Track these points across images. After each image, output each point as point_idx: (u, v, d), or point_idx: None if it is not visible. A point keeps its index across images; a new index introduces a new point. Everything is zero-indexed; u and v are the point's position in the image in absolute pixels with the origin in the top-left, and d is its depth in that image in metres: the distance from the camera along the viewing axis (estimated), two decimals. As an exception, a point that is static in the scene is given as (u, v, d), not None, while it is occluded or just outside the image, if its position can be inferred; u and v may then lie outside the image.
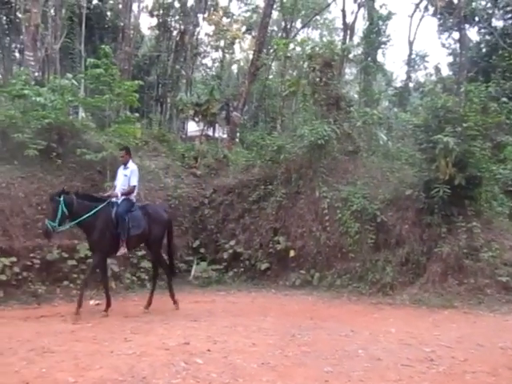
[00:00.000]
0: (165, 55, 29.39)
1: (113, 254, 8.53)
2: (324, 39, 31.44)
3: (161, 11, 30.41)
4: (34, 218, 9.96)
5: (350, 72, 35.34)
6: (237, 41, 35.63)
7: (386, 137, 13.74)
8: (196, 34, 31.11)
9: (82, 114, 15.59)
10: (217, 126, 25.61)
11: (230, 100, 27.74)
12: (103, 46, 12.52)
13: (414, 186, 10.76)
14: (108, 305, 8.18)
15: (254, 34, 31.77)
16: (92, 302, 8.91)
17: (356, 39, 29.14)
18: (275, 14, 28.05)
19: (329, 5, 31.20)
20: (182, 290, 11.02)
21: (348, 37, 27.34)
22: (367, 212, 10.85)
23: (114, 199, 8.30)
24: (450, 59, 25.63)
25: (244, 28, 34.87)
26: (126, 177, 8.43)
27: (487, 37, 23.55)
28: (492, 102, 13.19)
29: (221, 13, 32.87)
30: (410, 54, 25.26)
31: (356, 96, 22.49)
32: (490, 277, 9.39)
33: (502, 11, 23.18)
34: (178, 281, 11.52)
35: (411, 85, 23.54)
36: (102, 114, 13.36)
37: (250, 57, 24.44)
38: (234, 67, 38.62)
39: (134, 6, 27.44)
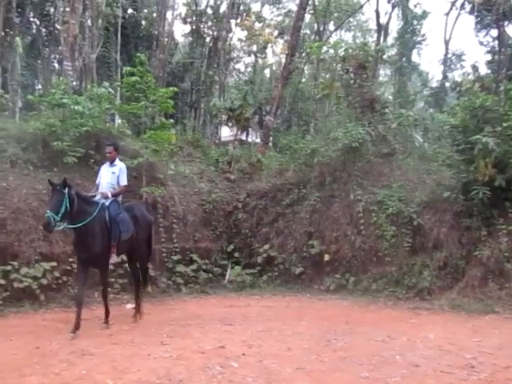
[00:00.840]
0: (198, 61, 29.69)
1: None
2: (357, 41, 31.21)
3: (194, 18, 30.77)
4: (73, 224, 10.19)
5: (384, 73, 34.86)
6: (269, 45, 35.69)
7: (422, 138, 13.52)
8: (229, 39, 31.32)
9: (118, 121, 15.89)
10: (250, 130, 25.69)
11: (263, 104, 27.83)
12: (138, 54, 12.76)
13: (452, 188, 10.52)
14: (107, 314, 7.59)
15: (286, 37, 31.75)
16: (128, 306, 9.06)
17: (390, 40, 28.78)
18: (307, 17, 27.98)
19: (362, 6, 30.90)
20: (216, 293, 11.16)
21: (382, 38, 27.00)
22: (403, 215, 10.67)
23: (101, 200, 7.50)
24: (489, 57, 24.95)
25: (276, 32, 34.91)
26: (114, 174, 7.77)
27: (527, 33, 22.83)
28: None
29: (253, 18, 33.01)
30: (447, 53, 24.73)
31: (391, 97, 22.13)
32: (532, 281, 9.08)
33: (542, 7, 22.40)
34: (213, 285, 11.70)
35: (448, 85, 22.99)
36: (137, 120, 13.59)
37: (283, 61, 24.45)
38: (267, 71, 38.70)
39: (168, 14, 27.92)
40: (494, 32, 23.98)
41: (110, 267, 9.94)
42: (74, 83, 17.10)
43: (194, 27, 30.83)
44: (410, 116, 13.19)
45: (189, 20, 31.32)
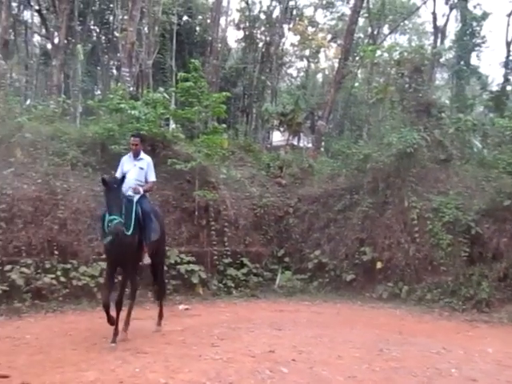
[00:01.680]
0: (251, 67, 29.92)
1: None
2: (413, 44, 30.45)
3: (247, 24, 31.07)
4: (128, 225, 10.50)
5: (440, 77, 33.89)
6: (322, 49, 35.48)
7: (481, 144, 13.01)
8: (281, 44, 31.39)
9: (172, 125, 16.24)
10: (302, 135, 25.66)
11: (314, 109, 27.67)
12: (193, 60, 13.00)
13: (514, 195, 10.08)
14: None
15: (339, 41, 31.48)
16: (181, 307, 9.23)
17: (447, 42, 27.92)
18: (361, 21, 27.65)
19: (418, 8, 30.24)
20: (266, 298, 11.18)
21: (439, 40, 26.29)
22: (461, 223, 10.30)
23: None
24: (554, 59, 23.76)
25: (329, 36, 34.69)
26: (142, 170, 7.16)
27: None
28: None
29: (306, 22, 32.92)
30: (508, 55, 23.70)
31: (447, 102, 21.48)
32: None
33: None
34: (263, 289, 11.72)
35: (509, 88, 22.08)
36: (191, 125, 13.84)
37: (336, 65, 24.27)
38: (319, 76, 38.48)
39: (222, 20, 28.27)
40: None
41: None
42: (131, 89, 17.58)
43: (246, 33, 31.12)
44: (468, 121, 12.74)
45: (242, 25, 31.66)
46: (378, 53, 16.87)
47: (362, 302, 10.81)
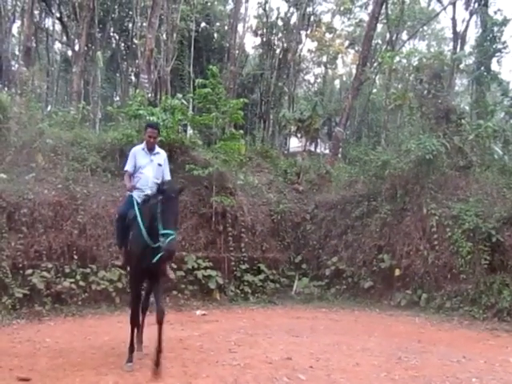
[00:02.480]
0: (268, 73, 30.01)
1: None
2: (432, 50, 30.26)
3: (264, 30, 31.19)
4: (146, 231, 10.59)
5: (460, 83, 33.56)
6: (339, 55, 35.46)
7: (502, 151, 12.80)
8: (299, 50, 31.43)
9: (190, 131, 16.35)
10: (319, 141, 25.63)
11: (332, 115, 27.64)
12: (210, 67, 13.08)
13: (536, 203, 9.91)
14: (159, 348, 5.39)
15: (357, 47, 31.43)
16: (198, 313, 9.25)
17: (467, 48, 27.66)
18: (379, 27, 27.55)
19: (437, 14, 29.97)
20: (283, 304, 11.15)
21: (459, 46, 26.03)
22: (481, 231, 10.13)
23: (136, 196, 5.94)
24: None
25: (347, 42, 34.65)
26: (160, 167, 6.27)
27: None
28: None
29: (323, 28, 32.93)
30: (529, 61, 23.42)
31: (467, 108, 21.24)
32: None
33: None
34: (280, 295, 11.69)
35: (530, 94, 21.74)
36: (208, 131, 13.91)
37: (353, 71, 24.21)
38: (337, 82, 38.43)
39: (239, 27, 28.47)
40: None
41: (181, 273, 10.28)
42: (150, 95, 17.77)
43: (264, 39, 31.23)
44: (488, 127, 12.55)
45: (259, 32, 31.78)
46: (397, 59, 16.85)
47: (379, 309, 10.71)
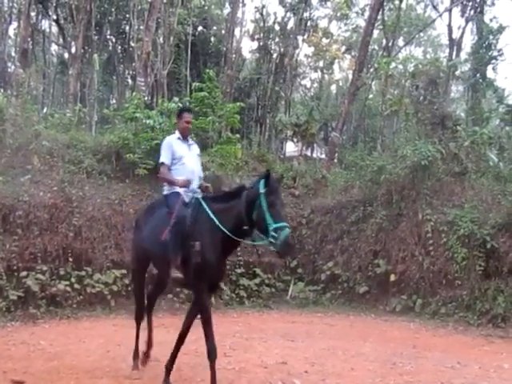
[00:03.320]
0: (265, 77, 30.03)
1: None
2: (428, 56, 30.47)
3: (261, 35, 31.25)
4: (142, 233, 10.58)
5: (456, 89, 33.73)
6: (336, 61, 35.55)
7: (497, 157, 12.88)
8: (295, 55, 31.51)
9: (186, 134, 16.30)
10: (315, 146, 25.68)
11: (328, 120, 27.72)
12: (207, 71, 13.14)
13: (530, 210, 9.95)
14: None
15: (353, 53, 31.58)
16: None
17: (463, 55, 27.90)
18: (376, 33, 27.67)
19: (433, 21, 30.16)
20: (279, 309, 11.14)
21: (454, 53, 26.22)
22: (476, 237, 10.17)
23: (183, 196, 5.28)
24: None
25: (344, 48, 34.77)
26: (199, 158, 5.92)
27: None
28: None
29: (320, 34, 33.04)
30: (524, 68, 23.62)
31: (463, 114, 21.37)
32: None
33: None
34: (275, 300, 11.69)
35: (526, 102, 21.90)
36: (205, 135, 13.91)
37: (350, 76, 24.32)
38: (333, 87, 38.53)
39: (236, 31, 28.48)
40: None
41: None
42: (146, 98, 17.78)
43: (261, 43, 31.30)
44: (484, 134, 12.63)
45: (256, 36, 31.85)
46: (393, 65, 16.93)
47: (375, 314, 10.72)
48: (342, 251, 12.20)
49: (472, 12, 26.56)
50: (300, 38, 31.56)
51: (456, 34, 26.87)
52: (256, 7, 31.01)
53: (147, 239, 5.32)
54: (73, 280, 9.18)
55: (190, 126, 5.73)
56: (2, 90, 18.40)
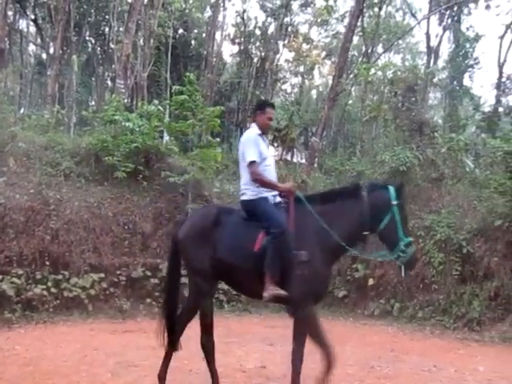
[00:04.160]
0: (245, 81, 30.12)
1: None
2: (407, 63, 30.87)
3: (242, 39, 31.36)
4: (121, 237, 10.50)
5: (433, 96, 34.29)
6: (316, 66, 35.83)
7: (473, 164, 13.14)
8: (276, 60, 31.67)
9: (166, 138, 16.31)
10: (295, 151, 25.76)
11: (308, 125, 27.85)
12: (188, 74, 13.06)
13: (505, 216, 10.12)
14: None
15: (333, 59, 31.85)
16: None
17: (441, 63, 28.35)
18: (356, 39, 27.98)
19: (412, 28, 30.63)
20: (258, 313, 11.12)
21: (432, 60, 26.64)
22: (452, 242, 10.34)
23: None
24: (545, 82, 24.12)
25: (324, 53, 35.06)
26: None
27: None
28: None
29: (301, 39, 33.28)
30: (500, 77, 24.07)
31: (440, 121, 21.74)
32: None
33: None
34: (255, 304, 11.64)
35: (501, 109, 22.35)
36: (185, 138, 13.88)
37: (330, 82, 24.49)
38: (313, 92, 38.79)
39: (217, 35, 28.59)
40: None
41: (156, 281, 10.19)
42: (126, 100, 17.64)
43: (242, 48, 31.40)
44: (460, 140, 12.87)
45: (237, 40, 31.95)
46: (372, 71, 17.10)
47: (354, 318, 10.80)
48: (321, 255, 12.23)
49: (449, 21, 27.08)
50: (281, 42, 31.75)
51: (434, 42, 27.35)
52: (237, 11, 31.17)
53: (228, 253, 4.56)
54: (49, 284, 9.02)
55: (271, 122, 5.15)
56: (-23, 90, 18.03)
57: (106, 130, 12.29)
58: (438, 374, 6.36)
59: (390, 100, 14.57)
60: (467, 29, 27.35)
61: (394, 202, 4.43)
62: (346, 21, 24.72)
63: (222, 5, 28.54)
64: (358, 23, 21.95)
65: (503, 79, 23.41)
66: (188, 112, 12.55)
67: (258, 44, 31.66)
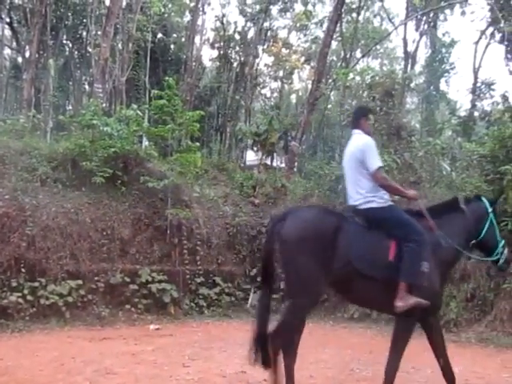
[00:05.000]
0: (225, 86, 30.12)
1: None
2: (384, 68, 31.31)
3: (222, 43, 31.38)
4: (99, 243, 10.38)
5: (411, 101, 34.76)
6: (296, 71, 36.04)
7: (450, 167, 13.34)
8: (256, 64, 31.76)
9: (145, 142, 16.20)
10: (275, 155, 25.83)
11: (288, 130, 27.94)
12: (167, 78, 13.01)
13: (480, 218, 10.31)
14: None
15: (312, 64, 32.04)
16: (152, 327, 9.09)
17: (418, 68, 28.84)
18: (334, 44, 28.28)
19: (389, 34, 31.07)
20: (239, 317, 11.11)
21: (409, 65, 27.06)
22: (430, 244, 10.47)
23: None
24: (518, 87, 24.72)
25: (303, 58, 35.27)
26: None
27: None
28: None
29: (280, 44, 33.45)
30: (476, 82, 24.54)
31: (418, 125, 22.07)
32: None
33: None
34: (235, 308, 11.64)
35: (476, 114, 22.79)
36: (164, 143, 13.77)
37: (309, 87, 24.64)
38: (293, 97, 38.98)
39: (197, 39, 28.52)
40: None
41: (135, 287, 10.11)
42: (104, 105, 17.46)
43: (221, 52, 31.41)
44: (437, 144, 13.05)
45: (216, 45, 31.94)
46: (351, 76, 17.23)
47: (333, 321, 10.85)
48: (302, 260, 12.26)
49: (426, 26, 27.56)
50: (260, 47, 31.86)
51: (411, 47, 27.81)
52: (216, 16, 31.16)
53: (360, 262, 4.33)
54: (25, 291, 8.86)
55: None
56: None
57: (83, 135, 12.13)
58: (415, 375, 6.43)
59: (367, 104, 14.69)
60: (443, 34, 27.93)
61: (490, 210, 4.93)
62: (325, 26, 24.92)
63: (201, 9, 28.51)
64: (337, 28, 22.23)
65: (478, 84, 23.85)
66: (167, 116, 12.48)
67: (237, 48, 31.71)
